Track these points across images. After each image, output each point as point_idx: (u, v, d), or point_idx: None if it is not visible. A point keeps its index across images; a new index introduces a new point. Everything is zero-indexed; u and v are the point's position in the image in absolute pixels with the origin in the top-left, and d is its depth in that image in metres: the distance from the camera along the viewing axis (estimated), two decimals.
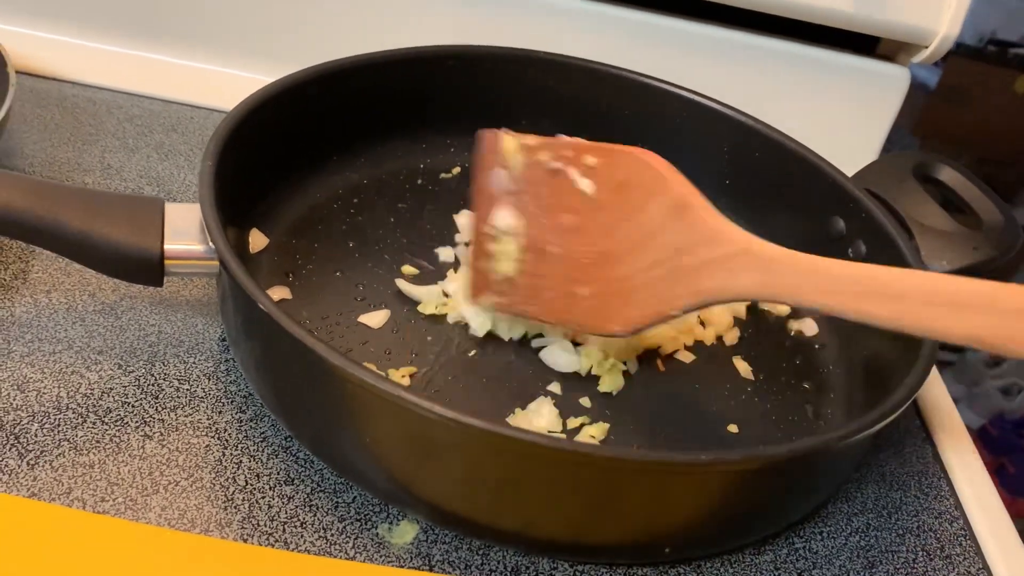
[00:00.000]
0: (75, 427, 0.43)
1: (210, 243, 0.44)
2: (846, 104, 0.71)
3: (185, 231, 0.45)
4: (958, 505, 0.50)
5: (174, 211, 0.46)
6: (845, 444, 0.40)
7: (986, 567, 0.47)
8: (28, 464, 0.41)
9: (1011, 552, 0.47)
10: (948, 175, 0.60)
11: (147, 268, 0.44)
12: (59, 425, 0.43)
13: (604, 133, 0.66)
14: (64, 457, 0.42)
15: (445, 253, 0.57)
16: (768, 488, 0.41)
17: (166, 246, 0.44)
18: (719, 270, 0.43)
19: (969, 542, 0.48)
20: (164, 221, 0.45)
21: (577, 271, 0.48)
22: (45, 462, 0.41)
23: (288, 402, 0.43)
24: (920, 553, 0.46)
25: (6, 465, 0.41)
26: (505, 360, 0.51)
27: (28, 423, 0.43)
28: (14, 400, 0.44)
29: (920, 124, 2.07)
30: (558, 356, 0.51)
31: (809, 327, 0.58)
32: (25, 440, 0.42)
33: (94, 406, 0.44)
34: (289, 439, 0.45)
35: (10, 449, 0.41)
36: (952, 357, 2.07)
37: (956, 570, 0.46)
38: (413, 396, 0.36)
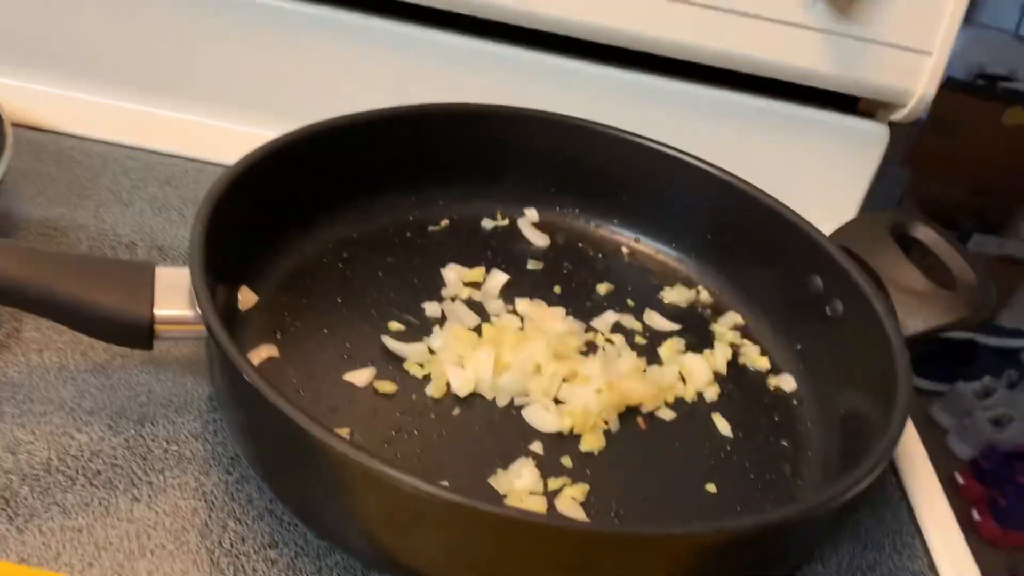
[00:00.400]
0: (65, 490, 0.44)
1: (197, 309, 0.45)
2: (826, 160, 0.73)
3: (175, 296, 0.46)
4: (932, 566, 0.51)
5: (164, 275, 0.47)
6: (815, 513, 0.41)
7: None
8: (17, 528, 0.42)
9: None
10: (924, 234, 0.61)
11: (137, 334, 0.45)
12: (49, 488, 0.44)
13: (589, 188, 0.68)
14: (53, 521, 0.43)
15: (431, 308, 0.58)
16: (740, 557, 0.41)
17: (156, 312, 0.45)
18: None
19: None
20: (154, 286, 0.46)
21: None
22: (34, 526, 0.42)
23: (272, 467, 0.44)
24: None
25: None
26: (488, 419, 0.52)
27: (18, 486, 0.44)
28: (4, 463, 0.45)
29: (911, 156, 2.10)
30: (540, 416, 0.52)
31: (788, 383, 0.59)
32: (15, 504, 0.43)
33: (84, 468, 0.45)
34: (273, 502, 0.46)
35: (0, 512, 0.42)
36: (943, 387, 2.08)
37: None
38: (390, 468, 0.37)
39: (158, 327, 0.46)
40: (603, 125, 0.66)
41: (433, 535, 0.40)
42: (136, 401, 0.49)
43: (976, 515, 1.76)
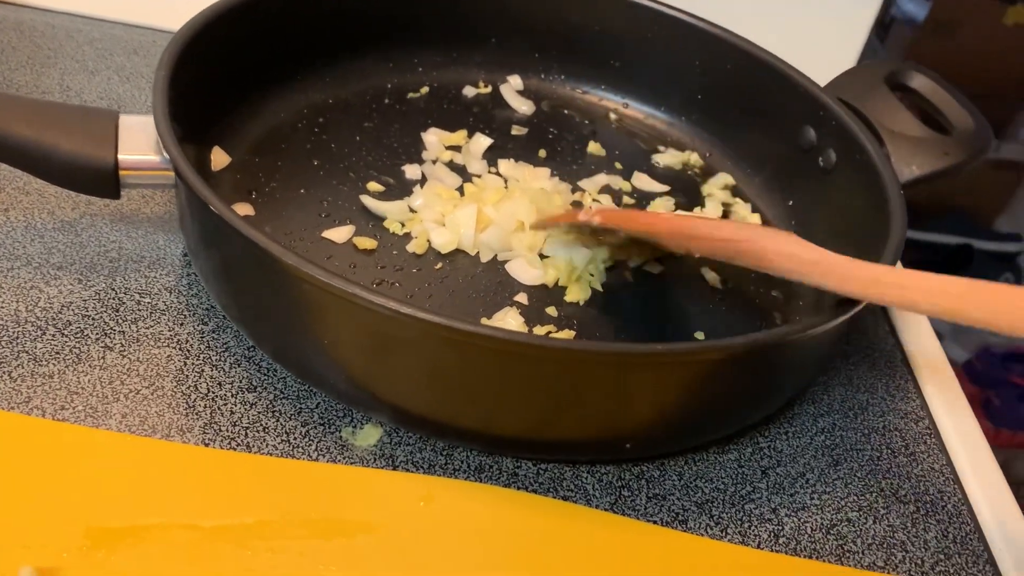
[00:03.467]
0: (34, 339, 0.43)
1: (165, 153, 0.43)
2: (822, 14, 0.70)
3: (140, 142, 0.45)
4: (924, 405, 0.50)
5: (129, 122, 0.45)
6: (806, 337, 0.40)
7: (950, 463, 0.47)
8: None
9: (974, 447, 0.48)
10: (920, 82, 0.59)
11: (101, 179, 0.44)
12: (18, 338, 0.43)
13: (575, 52, 0.66)
14: (23, 368, 0.41)
15: (412, 171, 0.56)
16: (728, 383, 0.40)
17: (120, 156, 0.44)
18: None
19: (934, 440, 0.48)
20: (118, 132, 0.44)
21: None
22: (3, 372, 0.41)
23: (248, 309, 0.43)
24: (885, 451, 0.47)
25: None
26: (471, 273, 0.50)
27: None
28: None
29: (908, 58, 2.05)
30: (523, 269, 0.51)
31: None
32: None
33: (53, 319, 0.44)
34: (252, 348, 0.44)
35: None
36: None
37: (920, 466, 0.46)
38: (369, 294, 0.36)
39: (123, 172, 0.44)
40: None
41: (413, 363, 0.38)
42: (106, 257, 0.48)
43: None
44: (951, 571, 0.42)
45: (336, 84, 0.61)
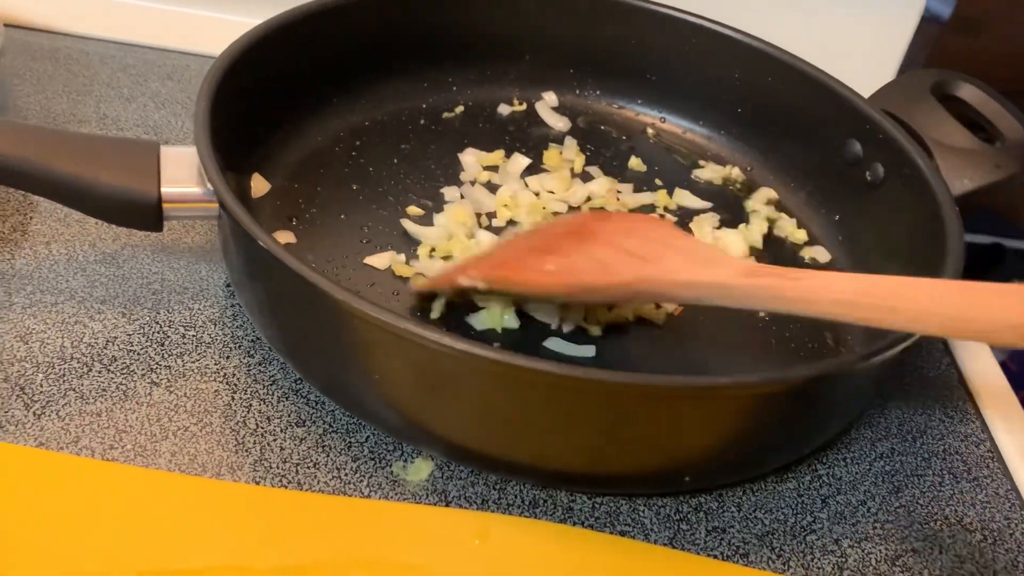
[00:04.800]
0: (80, 376, 0.42)
1: (208, 185, 0.43)
2: (861, 25, 0.69)
3: (182, 174, 0.44)
4: (984, 428, 0.49)
5: (170, 154, 0.45)
6: (864, 367, 0.39)
7: (1015, 488, 0.46)
8: (35, 414, 0.40)
9: None
10: (968, 92, 0.58)
11: (145, 212, 0.43)
12: (64, 375, 0.42)
13: (610, 67, 0.65)
14: (71, 406, 0.41)
15: (450, 193, 0.56)
16: (786, 413, 0.39)
17: (163, 189, 0.43)
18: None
19: (996, 464, 0.47)
20: (160, 164, 0.44)
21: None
22: (52, 412, 0.41)
23: (296, 343, 0.42)
24: (947, 476, 0.46)
25: (12, 416, 0.40)
26: None
27: (33, 374, 0.42)
28: (18, 352, 0.43)
29: (934, 57, 2.03)
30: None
31: (822, 254, 0.57)
32: (31, 391, 0.41)
33: (99, 355, 0.43)
34: (299, 381, 0.44)
35: (16, 400, 0.41)
36: None
37: (984, 491, 0.45)
38: (421, 329, 0.35)
39: (166, 205, 0.43)
40: None
41: (466, 398, 0.38)
42: (149, 289, 0.47)
43: None
44: None
45: (371, 106, 0.61)
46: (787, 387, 0.37)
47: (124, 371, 0.43)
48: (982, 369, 0.52)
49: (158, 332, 0.45)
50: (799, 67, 0.59)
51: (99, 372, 0.43)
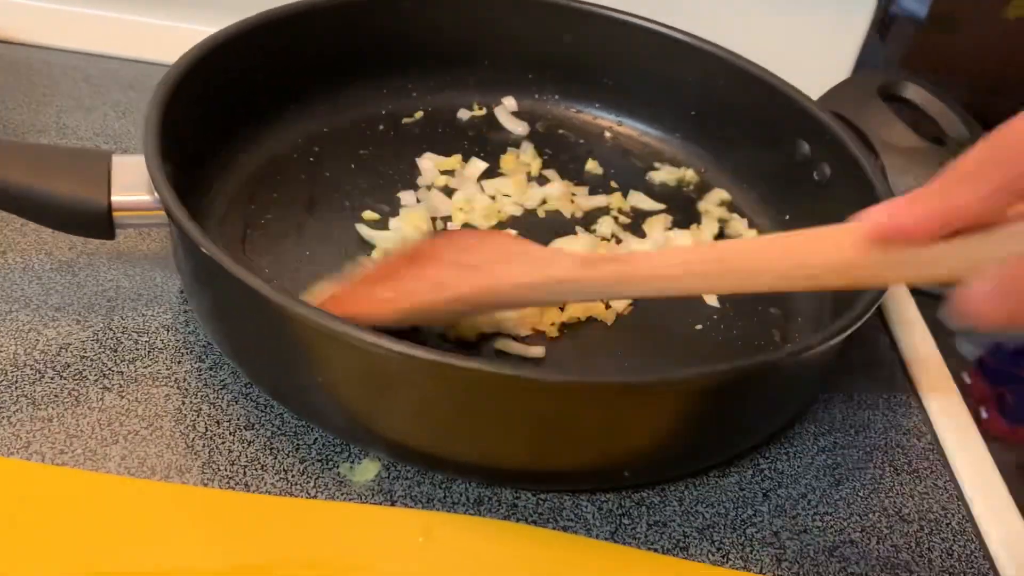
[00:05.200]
0: (33, 383, 0.43)
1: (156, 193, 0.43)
2: (814, 26, 0.70)
3: (133, 182, 0.45)
4: (927, 420, 0.50)
5: (122, 163, 0.45)
6: (800, 360, 0.40)
7: (953, 479, 0.47)
8: None
9: (978, 463, 0.47)
10: (913, 92, 0.59)
11: (96, 221, 0.44)
12: (17, 382, 0.43)
13: (569, 71, 0.66)
14: (22, 412, 0.42)
15: (406, 197, 0.57)
16: (718, 408, 0.40)
17: (113, 198, 0.44)
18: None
19: (936, 456, 0.48)
20: (111, 173, 0.45)
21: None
22: (2, 418, 0.41)
23: (243, 348, 0.43)
24: (888, 468, 0.47)
25: None
26: None
27: None
28: None
29: (910, 57, 2.04)
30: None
31: None
32: None
33: (52, 362, 0.44)
34: (248, 385, 0.45)
35: None
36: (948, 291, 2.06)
37: (923, 483, 0.46)
38: (361, 333, 0.36)
39: (117, 214, 0.44)
40: (581, 2, 0.64)
41: (408, 399, 0.39)
42: (104, 296, 0.48)
43: (984, 413, 1.76)
44: None
45: (330, 112, 0.61)
46: (712, 382, 0.38)
47: (76, 377, 0.44)
48: (926, 361, 0.53)
49: (111, 338, 0.46)
50: (750, 70, 0.60)
51: (51, 379, 0.43)
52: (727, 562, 0.41)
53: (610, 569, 0.39)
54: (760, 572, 0.41)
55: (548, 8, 0.64)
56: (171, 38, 0.68)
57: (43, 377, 0.43)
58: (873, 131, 0.56)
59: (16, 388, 0.43)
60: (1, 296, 0.47)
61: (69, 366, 0.44)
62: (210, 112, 0.53)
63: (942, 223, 0.29)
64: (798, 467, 0.46)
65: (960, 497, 0.46)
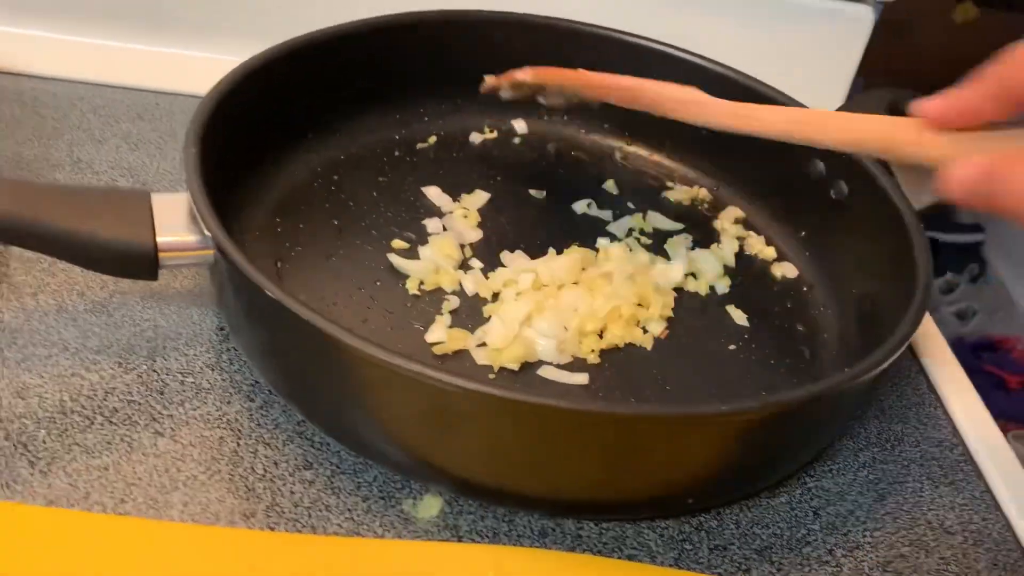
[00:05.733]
0: (83, 430, 0.42)
1: (204, 232, 0.43)
2: (812, 46, 0.72)
3: (175, 222, 0.44)
4: (956, 432, 0.51)
5: (162, 202, 0.45)
6: (857, 383, 0.41)
7: (989, 490, 0.48)
8: (41, 472, 0.40)
9: (1010, 473, 0.49)
10: None
11: (141, 263, 0.43)
12: (67, 430, 0.42)
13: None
14: (77, 462, 0.41)
15: (432, 224, 0.56)
16: (786, 432, 0.41)
17: (159, 239, 0.43)
18: None
19: (969, 467, 0.49)
20: (153, 212, 0.44)
21: None
22: (58, 468, 0.40)
23: (300, 387, 0.43)
24: (926, 482, 0.48)
25: (18, 475, 0.40)
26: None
27: (34, 430, 0.42)
28: (16, 408, 0.43)
29: (864, 62, 2.09)
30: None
31: (790, 270, 0.59)
32: (34, 448, 0.41)
33: (99, 407, 0.43)
34: (302, 424, 0.44)
35: (19, 458, 0.41)
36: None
37: (961, 495, 0.48)
38: (429, 370, 0.36)
39: (162, 255, 0.43)
40: (586, 24, 0.64)
41: (476, 435, 0.39)
42: (143, 337, 0.47)
43: None
44: None
45: (346, 139, 0.61)
46: (784, 408, 0.39)
47: (127, 422, 0.43)
48: (949, 375, 0.55)
49: (157, 380, 0.45)
50: (759, 90, 0.61)
51: (101, 425, 0.43)
52: None
53: None
54: None
55: (554, 31, 0.65)
56: (174, 66, 0.68)
57: (92, 424, 0.43)
58: None
59: (67, 436, 0.42)
60: (39, 340, 0.46)
61: (117, 411, 0.43)
62: (234, 147, 0.52)
63: (956, 113, 0.38)
64: (842, 484, 0.47)
65: (997, 507, 0.47)
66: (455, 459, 0.40)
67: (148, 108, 0.63)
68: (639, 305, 0.53)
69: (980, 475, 0.49)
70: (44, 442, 0.41)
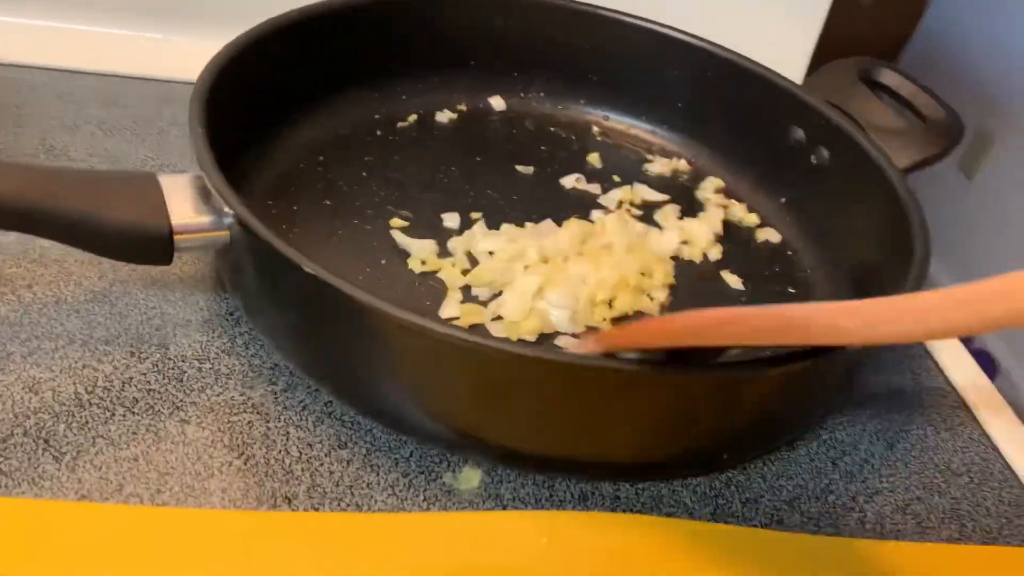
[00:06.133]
0: (105, 422, 0.41)
1: (222, 211, 0.42)
2: (771, 19, 0.74)
3: (185, 203, 0.43)
4: (948, 381, 0.54)
5: (169, 184, 0.43)
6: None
7: (984, 432, 0.51)
8: (67, 467, 0.39)
9: (1001, 414, 0.52)
10: (890, 77, 0.63)
11: (157, 247, 0.42)
12: (87, 422, 0.40)
13: (554, 67, 0.67)
14: (104, 454, 0.39)
15: (450, 218, 0.55)
16: (814, 386, 0.43)
17: (174, 222, 0.42)
18: None
19: (965, 412, 0.52)
20: (164, 195, 0.42)
21: None
22: (85, 462, 0.39)
23: (334, 366, 0.42)
24: (928, 428, 0.50)
25: (44, 471, 0.38)
26: None
27: (53, 424, 0.40)
28: (30, 403, 0.41)
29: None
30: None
31: (773, 235, 0.61)
32: (56, 442, 0.39)
33: (118, 398, 0.42)
34: (330, 404, 0.44)
35: (43, 453, 0.39)
36: None
37: (960, 439, 0.50)
38: (490, 341, 0.36)
39: (177, 237, 0.42)
40: (569, 1, 0.65)
41: (525, 404, 0.39)
42: (151, 325, 0.46)
43: None
44: (1016, 534, 0.45)
45: (327, 118, 0.60)
46: (818, 365, 0.40)
47: (150, 412, 0.41)
48: None
49: (173, 368, 0.44)
50: (737, 62, 0.63)
51: (124, 415, 0.41)
52: (820, 530, 0.43)
53: (729, 549, 0.41)
54: (850, 536, 0.43)
55: (532, 6, 0.65)
56: (139, 51, 0.65)
57: (114, 415, 0.41)
58: (859, 114, 0.60)
59: (89, 429, 0.40)
60: (43, 333, 0.44)
61: (138, 401, 0.42)
62: (224, 129, 0.51)
63: None
64: (854, 434, 0.49)
65: (994, 448, 0.50)
66: (502, 429, 0.40)
67: (117, 94, 0.61)
68: (642, 274, 0.53)
69: (974, 419, 0.51)
70: (66, 436, 0.40)
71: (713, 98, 0.65)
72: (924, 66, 1.29)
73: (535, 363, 0.36)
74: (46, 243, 0.46)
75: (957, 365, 0.55)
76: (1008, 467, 0.49)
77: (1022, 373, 1.05)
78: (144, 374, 0.43)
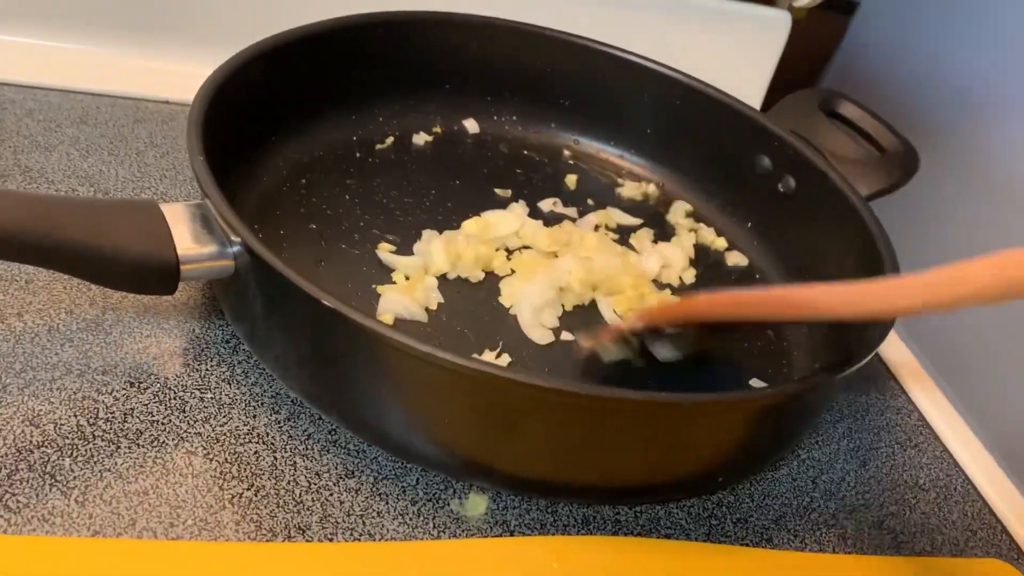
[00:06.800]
0: (111, 455, 0.40)
1: (228, 240, 0.42)
2: (733, 49, 0.76)
3: (190, 234, 0.43)
4: (909, 401, 0.57)
5: (173, 213, 0.43)
6: (862, 364, 0.45)
7: (946, 449, 0.54)
8: (77, 502, 0.38)
9: (960, 433, 0.55)
10: (849, 109, 0.66)
11: (163, 277, 0.42)
12: (93, 455, 0.40)
13: (527, 91, 0.68)
14: (112, 488, 0.39)
15: (429, 234, 0.56)
16: (802, 410, 0.45)
17: (180, 251, 0.42)
18: None
19: (928, 430, 0.55)
20: (168, 224, 0.42)
21: None
22: (94, 496, 0.38)
23: (342, 396, 0.42)
24: (896, 447, 0.53)
25: (53, 507, 0.38)
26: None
27: (58, 459, 0.39)
28: (32, 436, 0.40)
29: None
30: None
31: (739, 259, 0.63)
32: (63, 477, 0.39)
33: (121, 429, 0.41)
34: (334, 432, 0.44)
35: (50, 489, 0.38)
36: None
37: (925, 455, 0.53)
38: (507, 372, 0.37)
39: (184, 267, 0.42)
40: (537, 26, 0.66)
41: (533, 432, 0.40)
42: (147, 354, 0.45)
43: None
44: (980, 546, 0.48)
45: (306, 141, 0.61)
46: (808, 389, 0.43)
47: (155, 444, 0.41)
48: (895, 349, 0.60)
49: (175, 398, 0.43)
50: (705, 91, 0.65)
51: (129, 448, 0.41)
52: (806, 547, 0.45)
53: (725, 568, 0.43)
54: (833, 553, 0.45)
55: (506, 32, 0.66)
56: (111, 68, 0.64)
57: (119, 448, 0.41)
58: (821, 144, 0.63)
59: (96, 463, 0.40)
60: (39, 364, 0.43)
61: (142, 433, 0.42)
62: (216, 154, 0.51)
63: None
64: (830, 453, 0.51)
65: (956, 464, 0.53)
66: (511, 456, 0.41)
67: (89, 112, 0.60)
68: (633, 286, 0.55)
69: (936, 437, 0.55)
70: (72, 470, 0.39)
71: (680, 125, 0.67)
72: (844, 86, 1.34)
73: (542, 392, 0.37)
74: (31, 268, 0.46)
75: (918, 383, 0.58)
76: (970, 482, 0.52)
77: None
78: (146, 404, 0.43)
